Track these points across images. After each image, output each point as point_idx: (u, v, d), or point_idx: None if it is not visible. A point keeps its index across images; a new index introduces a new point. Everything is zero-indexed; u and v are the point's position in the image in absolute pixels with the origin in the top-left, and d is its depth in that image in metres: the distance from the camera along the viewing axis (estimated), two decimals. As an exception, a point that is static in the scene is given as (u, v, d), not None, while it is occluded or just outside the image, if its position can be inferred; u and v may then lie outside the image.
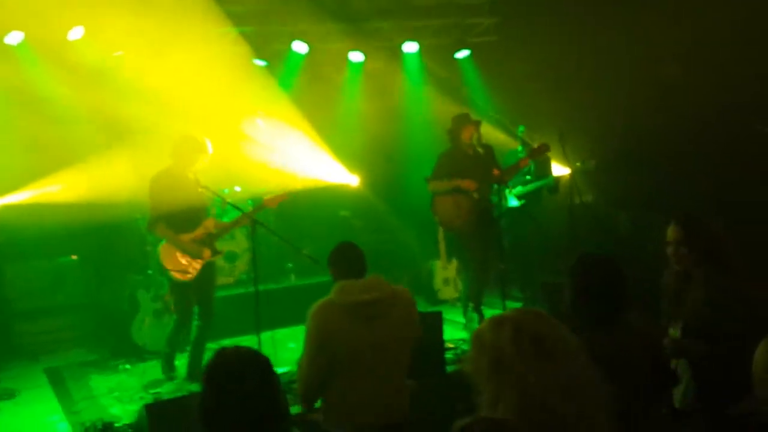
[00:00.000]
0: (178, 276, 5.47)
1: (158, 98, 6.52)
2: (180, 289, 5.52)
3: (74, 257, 6.97)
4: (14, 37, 6.73)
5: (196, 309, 5.64)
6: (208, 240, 5.52)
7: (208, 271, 5.58)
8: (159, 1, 6.29)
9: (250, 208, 6.47)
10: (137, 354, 6.24)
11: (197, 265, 5.48)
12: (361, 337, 3.32)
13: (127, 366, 6.12)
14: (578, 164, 6.35)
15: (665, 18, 6.71)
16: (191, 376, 5.51)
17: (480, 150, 6.40)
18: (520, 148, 7.24)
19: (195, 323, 5.65)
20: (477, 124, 6.51)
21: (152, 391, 5.41)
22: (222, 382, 2.12)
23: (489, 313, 6.72)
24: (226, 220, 6.91)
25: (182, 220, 5.43)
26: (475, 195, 6.35)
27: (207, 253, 5.51)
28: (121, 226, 7.01)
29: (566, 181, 6.36)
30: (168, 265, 5.48)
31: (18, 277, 6.68)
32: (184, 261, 5.46)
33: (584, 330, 2.51)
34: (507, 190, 6.69)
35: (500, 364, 1.77)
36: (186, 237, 5.45)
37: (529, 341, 1.77)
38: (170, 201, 5.38)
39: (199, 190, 5.43)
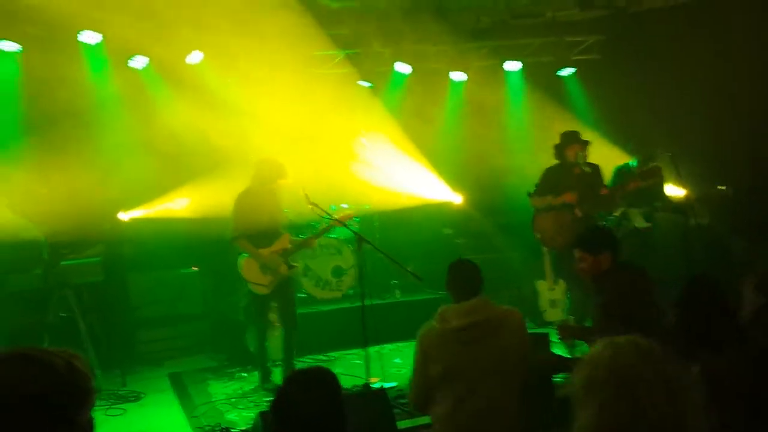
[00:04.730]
0: (256, 289, 5.78)
1: (269, 118, 6.84)
2: (259, 301, 5.83)
3: (195, 268, 7.33)
4: (139, 62, 7.23)
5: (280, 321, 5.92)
6: (284, 255, 5.82)
7: (287, 284, 5.88)
8: (270, 27, 6.62)
9: (356, 226, 6.68)
10: (252, 362, 6.45)
11: (274, 279, 5.75)
12: (458, 361, 3.42)
13: (243, 374, 6.34)
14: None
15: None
16: None
17: (587, 169, 6.33)
18: (633, 162, 7.01)
19: (281, 334, 5.91)
20: (584, 144, 6.45)
21: (267, 398, 5.57)
22: (284, 406, 2.26)
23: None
24: (333, 236, 7.18)
25: (261, 236, 5.76)
26: (578, 212, 6.26)
27: (283, 267, 5.79)
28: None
29: (681, 203, 6.15)
30: (248, 277, 5.80)
31: (143, 287, 7.07)
32: (262, 274, 5.75)
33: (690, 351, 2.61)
34: (633, 211, 6.52)
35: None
36: (265, 251, 5.77)
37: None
38: (250, 219, 5.72)
39: (309, 206, 5.65)
